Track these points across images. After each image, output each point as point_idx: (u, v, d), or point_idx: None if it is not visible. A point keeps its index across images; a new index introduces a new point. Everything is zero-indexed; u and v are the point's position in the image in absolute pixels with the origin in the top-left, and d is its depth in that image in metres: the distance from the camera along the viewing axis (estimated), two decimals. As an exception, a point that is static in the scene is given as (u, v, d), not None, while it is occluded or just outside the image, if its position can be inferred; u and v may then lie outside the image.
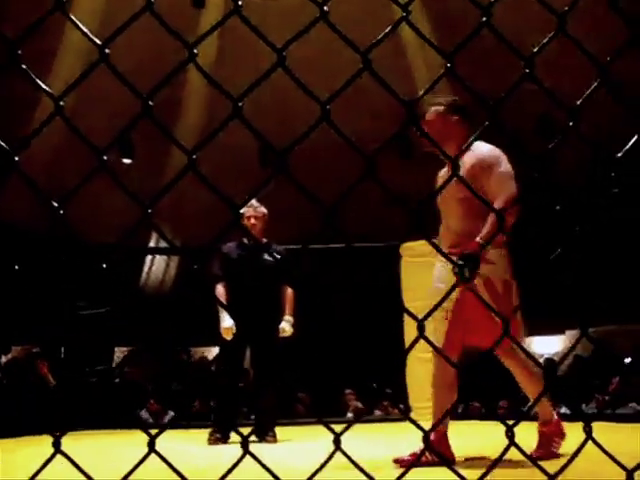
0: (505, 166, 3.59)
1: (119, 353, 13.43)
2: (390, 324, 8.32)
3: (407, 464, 3.40)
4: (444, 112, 3.74)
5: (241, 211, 4.35)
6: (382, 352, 9.12)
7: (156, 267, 15.08)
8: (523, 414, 5.04)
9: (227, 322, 5.47)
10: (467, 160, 3.54)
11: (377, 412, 9.46)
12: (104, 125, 7.74)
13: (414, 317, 1.23)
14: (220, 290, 5.65)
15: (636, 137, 1.37)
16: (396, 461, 3.51)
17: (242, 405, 7.74)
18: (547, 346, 13.20)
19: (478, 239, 3.36)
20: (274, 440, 5.64)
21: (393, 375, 8.82)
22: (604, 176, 8.57)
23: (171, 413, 9.78)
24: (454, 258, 3.31)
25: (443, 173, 3.86)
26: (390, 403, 9.26)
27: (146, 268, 15.12)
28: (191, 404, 9.66)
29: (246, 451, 1.03)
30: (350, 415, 9.37)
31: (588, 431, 1.21)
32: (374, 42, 1.16)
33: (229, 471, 1.05)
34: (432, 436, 3.22)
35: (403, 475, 1.16)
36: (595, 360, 10.25)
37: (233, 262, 5.74)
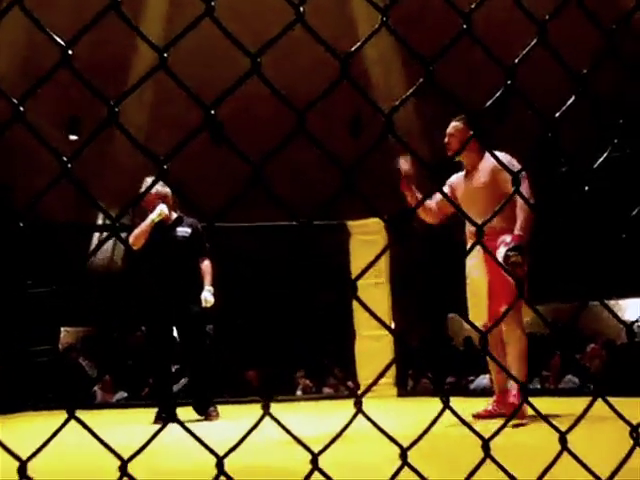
0: (517, 167, 4.10)
1: (64, 333, 13.20)
2: (338, 302, 8.34)
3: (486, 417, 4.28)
4: (465, 127, 4.44)
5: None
6: (330, 330, 9.15)
7: (104, 245, 14.84)
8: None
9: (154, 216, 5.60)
10: (487, 166, 4.32)
11: (327, 390, 9.52)
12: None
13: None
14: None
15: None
16: (474, 415, 4.28)
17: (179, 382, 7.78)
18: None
19: (517, 231, 4.09)
20: (216, 416, 5.66)
21: (341, 353, 8.85)
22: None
23: (122, 393, 9.68)
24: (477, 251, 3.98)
25: (459, 180, 4.59)
26: (339, 381, 9.29)
27: (93, 246, 14.87)
28: (140, 384, 9.56)
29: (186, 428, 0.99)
30: (299, 393, 9.39)
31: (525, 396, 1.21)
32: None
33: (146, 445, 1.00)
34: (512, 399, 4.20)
35: (396, 474, 1.13)
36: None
37: (149, 243, 5.73)
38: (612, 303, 12.57)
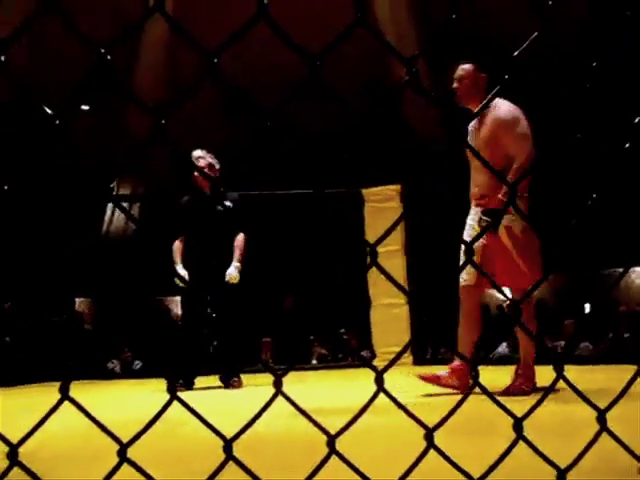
0: (522, 126, 3.93)
1: (79, 304, 13.24)
2: (354, 271, 8.27)
3: (429, 381, 4.13)
4: (475, 70, 4.11)
5: (197, 161, 4.27)
6: (346, 299, 9.09)
7: (118, 214, 14.79)
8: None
9: (180, 272, 5.65)
10: (489, 118, 3.94)
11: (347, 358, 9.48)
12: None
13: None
14: (176, 245, 5.81)
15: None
16: (420, 377, 4.14)
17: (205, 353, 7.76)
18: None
19: (500, 196, 3.80)
20: (239, 385, 5.72)
21: (357, 321, 8.80)
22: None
23: (139, 362, 9.69)
24: (478, 210, 3.97)
25: (473, 126, 4.12)
26: (354, 349, 9.25)
27: (108, 215, 14.84)
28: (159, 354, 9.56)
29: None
30: (314, 362, 9.35)
31: (559, 370, 1.11)
32: None
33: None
34: (457, 364, 4.07)
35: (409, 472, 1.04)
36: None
37: (190, 215, 5.85)
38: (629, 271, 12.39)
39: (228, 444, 0.93)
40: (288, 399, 0.94)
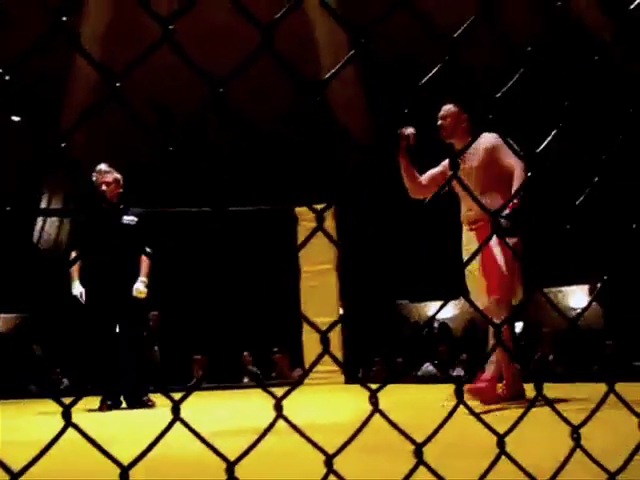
0: (507, 148, 4.20)
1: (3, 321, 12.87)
2: (286, 289, 8.29)
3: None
4: (458, 111, 4.41)
5: (94, 179, 4.24)
6: (278, 317, 9.07)
7: (49, 226, 14.46)
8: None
9: (75, 290, 5.57)
10: (481, 146, 4.23)
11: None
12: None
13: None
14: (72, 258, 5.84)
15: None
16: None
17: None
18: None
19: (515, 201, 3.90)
20: (153, 404, 5.56)
21: (289, 339, 8.78)
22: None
23: (65, 381, 9.46)
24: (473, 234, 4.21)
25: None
26: (285, 367, 9.22)
27: (38, 228, 14.49)
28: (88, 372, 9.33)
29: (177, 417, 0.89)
30: (246, 380, 9.29)
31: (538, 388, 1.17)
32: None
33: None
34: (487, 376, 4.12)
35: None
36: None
37: (91, 229, 5.73)
38: (555, 290, 12.72)
39: (124, 470, 0.92)
40: (183, 422, 0.93)
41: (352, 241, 8.14)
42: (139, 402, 5.56)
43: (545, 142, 1.35)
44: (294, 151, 9.75)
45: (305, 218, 8.05)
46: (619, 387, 1.41)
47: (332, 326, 1.06)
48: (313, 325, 0.98)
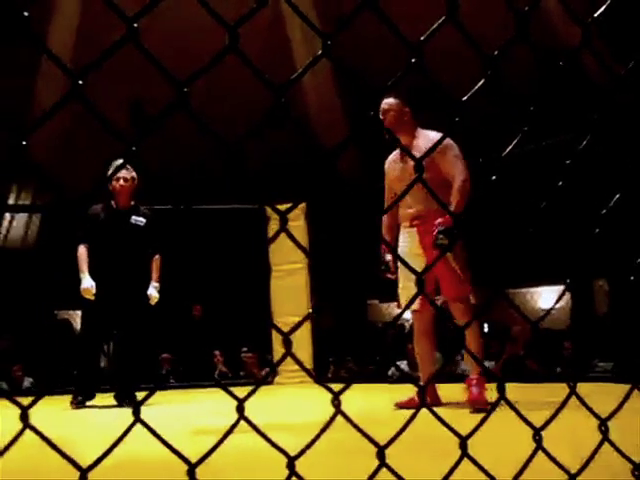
0: (456, 150, 4.17)
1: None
2: (256, 287, 8.28)
3: (405, 406, 4.16)
4: (399, 104, 4.31)
5: (108, 174, 4.10)
6: (249, 315, 9.04)
7: (17, 224, 14.23)
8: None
9: (86, 282, 5.46)
10: (422, 145, 4.11)
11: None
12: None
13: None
14: (81, 251, 5.58)
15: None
16: (397, 405, 4.24)
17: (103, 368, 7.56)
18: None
19: (453, 210, 3.96)
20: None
21: (259, 339, 8.76)
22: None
23: (30, 379, 9.30)
24: (414, 230, 4.28)
25: (394, 157, 4.49)
26: (254, 367, 9.18)
27: (5, 225, 14.25)
28: (54, 369, 9.20)
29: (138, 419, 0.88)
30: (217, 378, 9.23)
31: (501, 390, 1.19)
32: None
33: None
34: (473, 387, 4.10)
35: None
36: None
37: (99, 225, 5.64)
38: (524, 291, 12.83)
39: (83, 473, 0.91)
40: (144, 424, 0.92)
41: (324, 240, 8.13)
42: (129, 401, 5.41)
43: (509, 147, 1.36)
44: (264, 150, 9.73)
45: (276, 217, 8.04)
46: (582, 388, 1.43)
47: (294, 328, 1.06)
48: (276, 327, 0.98)
